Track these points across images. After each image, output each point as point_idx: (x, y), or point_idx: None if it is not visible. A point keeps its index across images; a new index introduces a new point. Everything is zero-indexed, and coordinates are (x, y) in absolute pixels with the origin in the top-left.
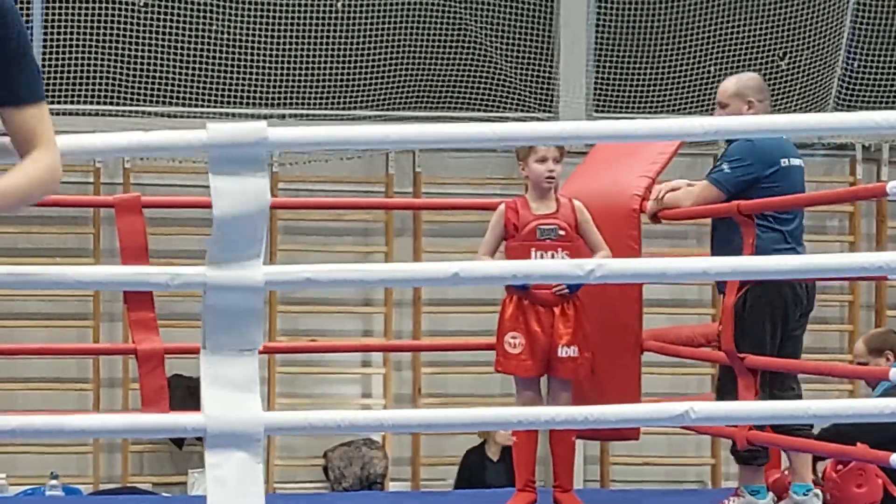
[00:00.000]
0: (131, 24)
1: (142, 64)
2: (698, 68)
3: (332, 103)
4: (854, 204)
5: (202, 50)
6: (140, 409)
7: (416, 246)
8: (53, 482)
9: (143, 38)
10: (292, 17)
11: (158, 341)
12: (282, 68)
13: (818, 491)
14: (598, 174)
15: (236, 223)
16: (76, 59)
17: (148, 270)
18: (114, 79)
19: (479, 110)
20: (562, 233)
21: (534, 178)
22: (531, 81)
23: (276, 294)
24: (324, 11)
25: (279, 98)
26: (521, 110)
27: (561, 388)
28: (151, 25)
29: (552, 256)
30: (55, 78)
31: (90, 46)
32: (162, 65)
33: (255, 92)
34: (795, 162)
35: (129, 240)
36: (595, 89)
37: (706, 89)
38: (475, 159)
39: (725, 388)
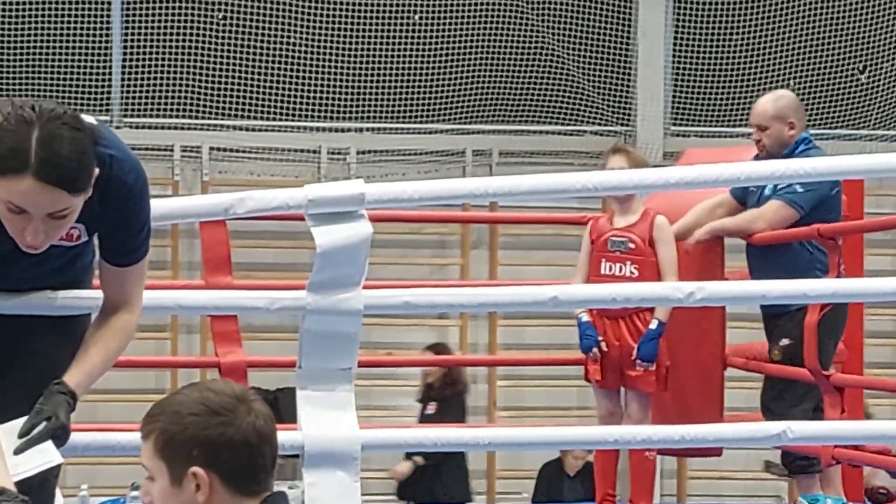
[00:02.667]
0: (211, 37)
1: (220, 77)
2: (776, 81)
3: (411, 116)
4: None
5: (281, 64)
6: None
7: (492, 258)
8: (135, 493)
9: (222, 51)
10: (371, 30)
11: (242, 354)
12: (361, 81)
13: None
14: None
15: (338, 253)
16: (156, 71)
17: (248, 295)
18: (194, 92)
19: (557, 123)
20: (631, 246)
21: None
22: (609, 94)
23: None
24: (402, 24)
25: (358, 111)
26: (599, 123)
27: (634, 401)
28: (231, 38)
29: (620, 269)
30: (134, 90)
31: (170, 60)
32: (241, 78)
33: (334, 105)
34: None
35: (212, 252)
36: (673, 103)
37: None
38: (553, 169)
39: (775, 402)
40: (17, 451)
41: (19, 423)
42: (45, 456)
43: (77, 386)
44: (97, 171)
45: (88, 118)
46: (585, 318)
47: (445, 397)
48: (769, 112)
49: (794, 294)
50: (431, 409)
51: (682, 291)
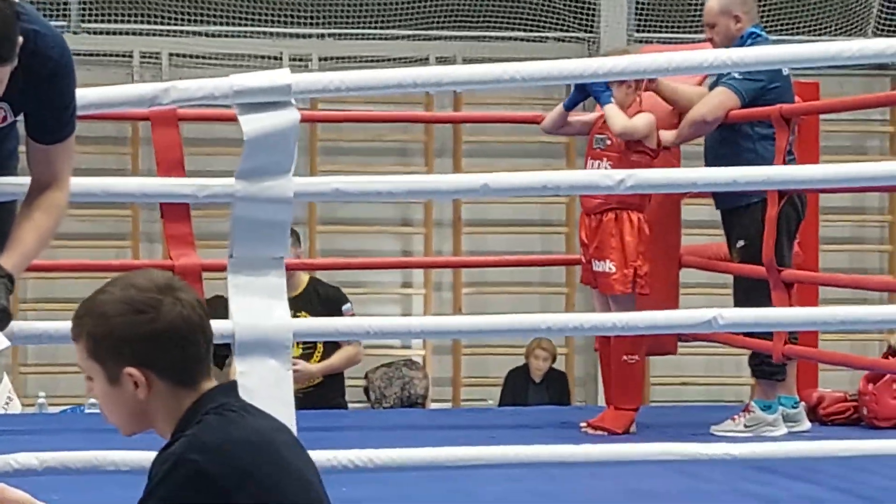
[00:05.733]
0: None
1: None
2: None
3: (374, 23)
4: None
5: None
6: None
7: (456, 166)
8: (93, 401)
9: None
10: None
11: (195, 257)
12: None
13: (804, 403)
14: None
15: (266, 140)
16: None
17: (177, 182)
18: None
19: (520, 29)
20: (608, 142)
21: None
22: (572, 1)
23: (316, 214)
24: None
25: (320, 17)
26: (562, 30)
27: (614, 304)
28: None
29: (597, 166)
30: None
31: None
32: None
33: (296, 11)
34: (786, 71)
35: (164, 153)
36: (636, 9)
37: None
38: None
39: (742, 305)
40: None
41: None
42: None
43: (14, 267)
44: (21, 42)
45: None
46: None
47: None
48: (715, 8)
49: (722, 180)
50: None
51: (612, 179)
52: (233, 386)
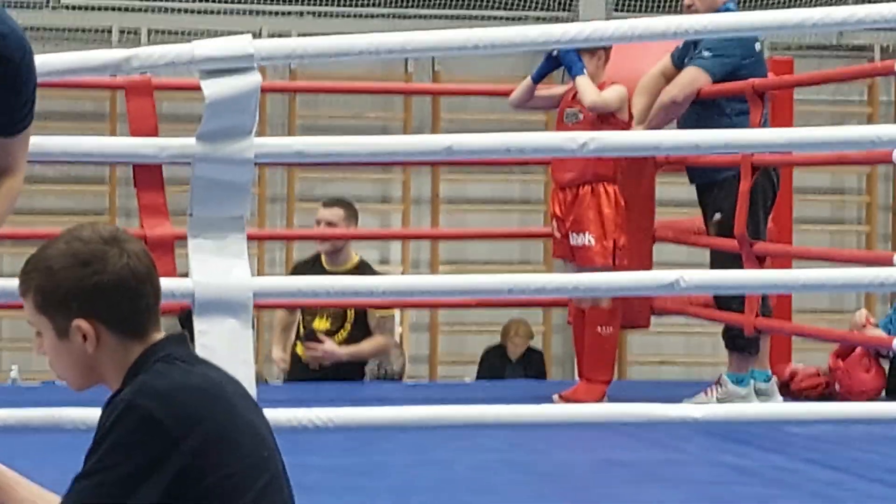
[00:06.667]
0: None
1: None
2: None
3: (352, 2)
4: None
5: None
6: None
7: None
8: None
9: None
10: None
11: (169, 227)
12: None
13: (776, 377)
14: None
15: (227, 103)
16: None
17: (137, 142)
18: None
19: (498, 8)
20: (580, 116)
21: None
22: None
23: (294, 191)
24: None
25: None
26: (541, 9)
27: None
28: None
29: None
30: None
31: None
32: None
33: None
34: (759, 47)
35: (138, 123)
36: None
37: None
38: (495, 58)
39: None
40: None
41: None
42: None
43: None
44: None
45: None
46: None
47: None
48: None
49: (685, 144)
50: None
51: (575, 142)
52: (183, 337)
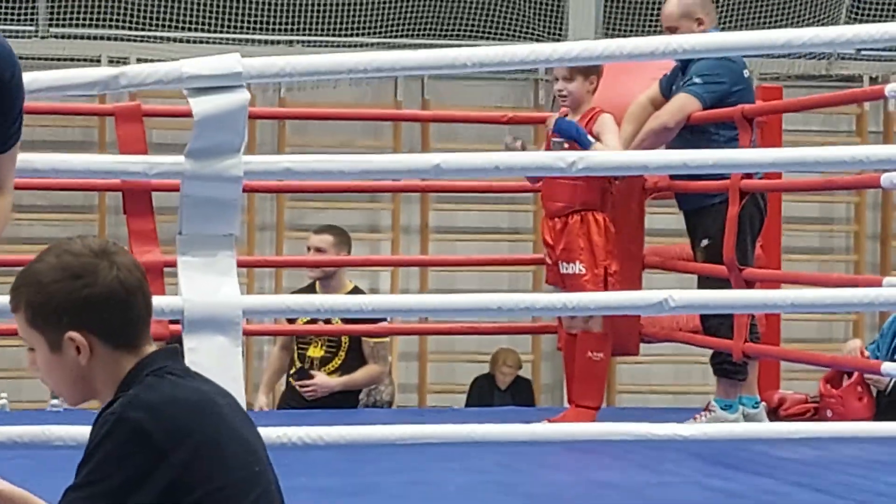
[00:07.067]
0: None
1: None
2: None
3: (341, 30)
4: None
5: None
6: None
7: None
8: (55, 401)
9: None
10: None
11: (158, 254)
12: None
13: (764, 403)
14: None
15: (216, 120)
16: None
17: (126, 159)
18: (122, 2)
19: (487, 37)
20: (565, 146)
21: None
22: (540, 6)
23: (284, 220)
24: None
25: (288, 24)
26: (531, 37)
27: None
28: None
29: None
30: None
31: None
32: None
33: (264, 18)
34: (748, 74)
35: (128, 148)
36: (605, 15)
37: (719, 10)
38: (484, 87)
39: None
40: None
41: None
42: None
43: None
44: None
45: None
46: None
47: None
48: (675, 13)
49: (674, 164)
50: None
51: (564, 161)
52: (175, 350)
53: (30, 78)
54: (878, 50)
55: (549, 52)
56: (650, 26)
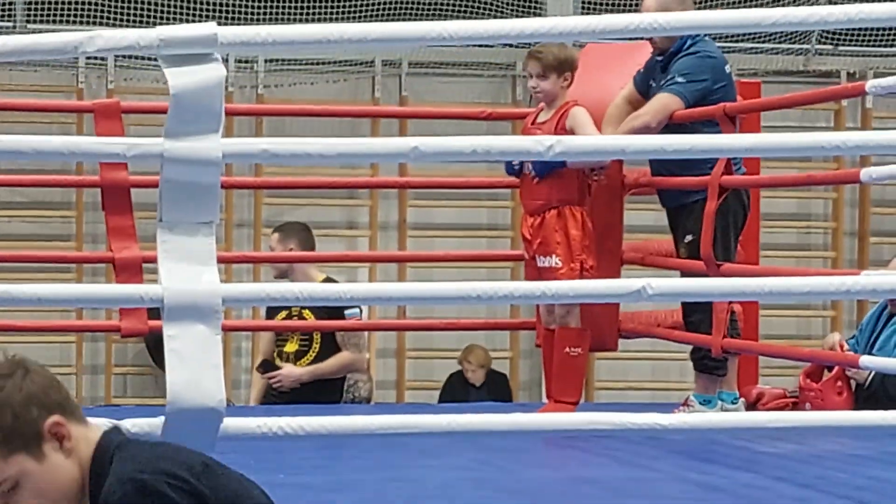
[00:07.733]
0: None
1: None
2: None
3: (318, 16)
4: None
5: None
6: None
7: (401, 170)
8: None
9: None
10: None
11: (136, 250)
12: None
13: (743, 399)
14: (588, 78)
15: (193, 97)
16: None
17: (105, 141)
18: None
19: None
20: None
21: None
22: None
23: (261, 217)
24: None
25: (267, 18)
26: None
27: None
28: None
29: (529, 167)
30: None
31: None
32: None
33: (241, 11)
34: (729, 70)
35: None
36: (582, 8)
37: (698, 7)
38: (462, 83)
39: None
40: None
41: None
42: None
43: None
44: None
45: None
46: None
47: None
48: (652, 8)
49: (651, 148)
50: None
51: (542, 145)
52: (117, 427)
53: (2, 41)
54: (856, 45)
55: (534, 27)
56: (629, 11)
